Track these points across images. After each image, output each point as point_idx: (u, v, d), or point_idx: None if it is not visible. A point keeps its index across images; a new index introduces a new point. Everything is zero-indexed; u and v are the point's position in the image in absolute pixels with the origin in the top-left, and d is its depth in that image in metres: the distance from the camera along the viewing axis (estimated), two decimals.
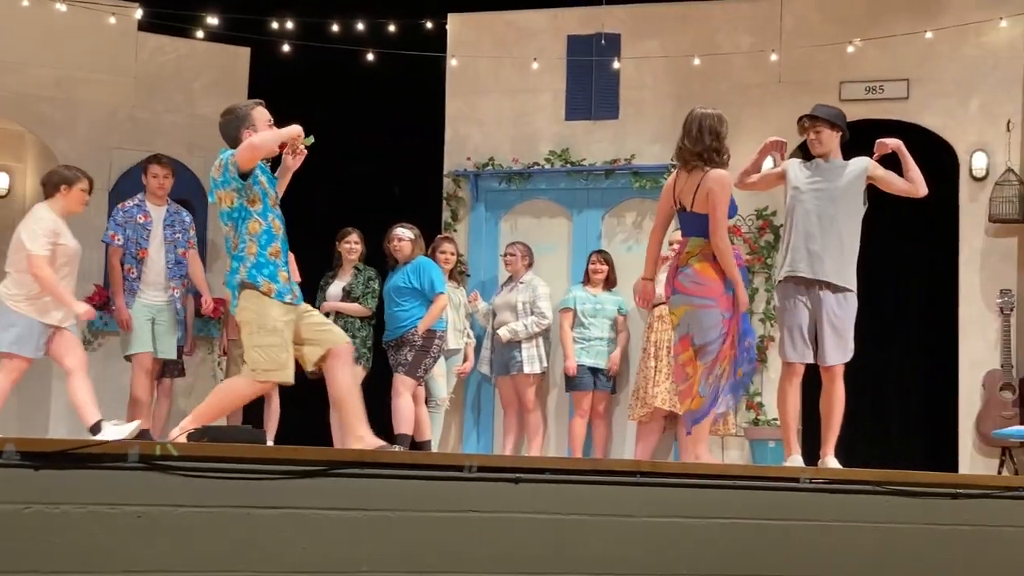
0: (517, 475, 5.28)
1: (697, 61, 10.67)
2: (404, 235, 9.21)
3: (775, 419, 10.26)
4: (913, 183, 7.27)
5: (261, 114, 6.46)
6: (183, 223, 9.04)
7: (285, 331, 6.17)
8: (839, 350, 7.13)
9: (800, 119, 7.41)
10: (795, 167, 7.34)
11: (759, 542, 5.63)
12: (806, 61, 10.62)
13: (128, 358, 8.98)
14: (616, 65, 10.93)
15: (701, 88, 10.80)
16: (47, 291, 7.68)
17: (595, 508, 5.38)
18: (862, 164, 7.29)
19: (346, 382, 6.28)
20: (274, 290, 6.19)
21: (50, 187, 7.89)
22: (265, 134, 6.30)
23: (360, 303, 9.43)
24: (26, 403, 10.70)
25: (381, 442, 6.25)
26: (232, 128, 6.39)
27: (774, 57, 10.60)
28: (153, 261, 8.84)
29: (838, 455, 7.18)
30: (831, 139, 7.29)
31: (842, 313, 7.14)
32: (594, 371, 9.98)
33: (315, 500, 4.93)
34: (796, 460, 7.11)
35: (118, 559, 4.62)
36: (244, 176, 6.21)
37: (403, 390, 8.90)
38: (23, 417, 10.59)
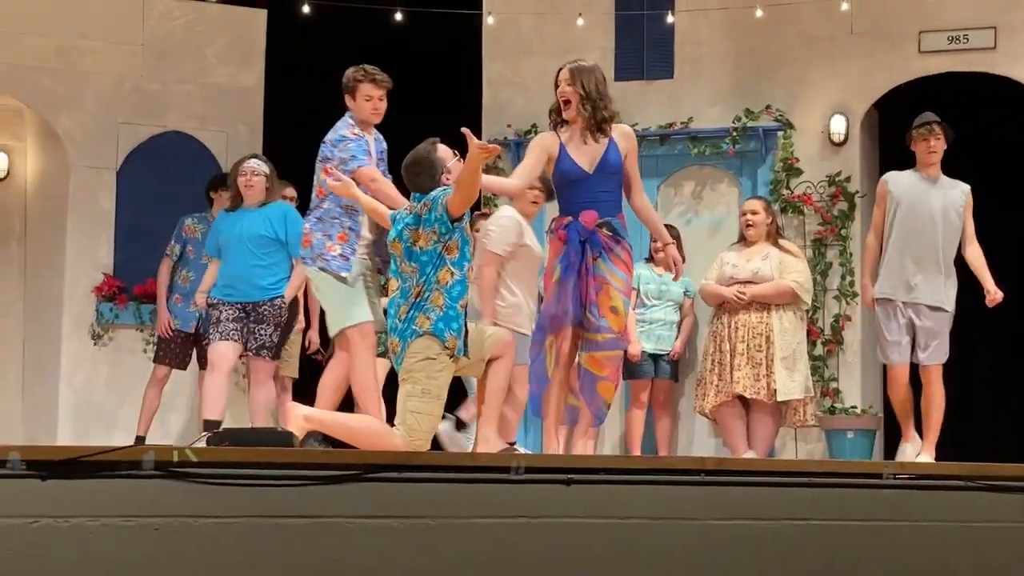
0: (569, 476, 5.27)
1: (760, 12, 10.59)
2: (260, 169, 8.46)
3: (853, 407, 10.22)
4: (973, 247, 7.99)
5: (445, 152, 6.53)
6: (385, 153, 7.71)
7: (444, 398, 6.32)
8: (936, 351, 7.86)
9: (918, 126, 8.03)
10: (897, 181, 7.95)
11: (837, 544, 5.61)
12: (881, 9, 10.51)
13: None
14: (670, 19, 10.86)
15: (764, 42, 10.73)
16: (482, 288, 7.72)
17: (655, 510, 5.37)
18: (964, 191, 8.02)
19: (492, 380, 6.51)
20: (457, 346, 6.28)
21: None
22: (482, 178, 6.41)
23: None
24: (31, 407, 10.79)
25: (504, 444, 6.54)
26: (427, 180, 6.45)
27: (845, 6, 10.50)
28: None
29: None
30: (942, 149, 7.99)
31: (938, 325, 7.84)
32: (655, 357, 9.91)
33: (348, 508, 4.94)
34: (907, 449, 7.80)
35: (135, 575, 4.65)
36: (454, 221, 6.29)
37: (266, 377, 8.51)
38: (29, 420, 10.69)
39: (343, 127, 7.24)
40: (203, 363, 9.61)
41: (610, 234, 6.71)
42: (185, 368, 9.68)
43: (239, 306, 8.38)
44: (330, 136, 7.21)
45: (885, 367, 8.30)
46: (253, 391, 8.51)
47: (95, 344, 10.58)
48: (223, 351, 8.32)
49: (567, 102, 6.74)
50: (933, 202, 7.90)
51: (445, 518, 5.06)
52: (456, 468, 5.19)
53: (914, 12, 10.42)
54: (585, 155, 6.75)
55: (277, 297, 8.37)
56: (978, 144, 10.10)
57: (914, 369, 8.11)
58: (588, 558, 5.24)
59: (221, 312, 8.35)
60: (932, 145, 7.89)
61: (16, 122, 11.16)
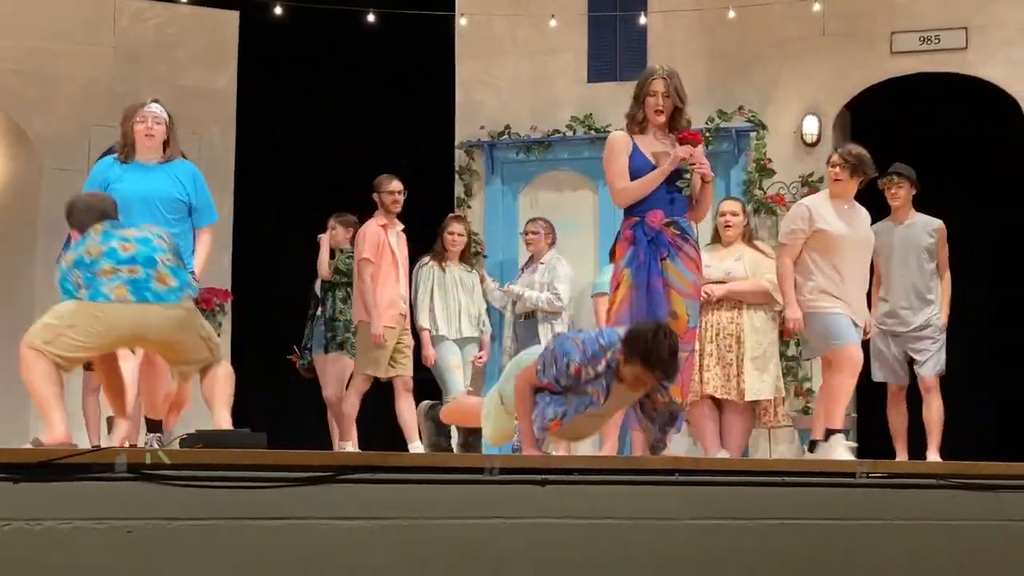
0: (544, 476, 5.27)
1: (732, 14, 10.61)
2: (161, 116, 7.17)
3: None
4: (943, 278, 8.48)
5: None
6: None
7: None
8: (929, 364, 8.36)
9: (884, 175, 8.42)
10: (876, 230, 8.25)
11: (812, 543, 5.61)
12: (853, 10, 10.54)
13: None
14: (642, 20, 10.87)
15: (737, 44, 10.75)
16: (778, 277, 7.78)
17: (630, 511, 5.36)
18: (932, 229, 8.47)
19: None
20: None
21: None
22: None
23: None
24: (3, 410, 10.72)
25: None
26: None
27: (817, 7, 10.53)
28: None
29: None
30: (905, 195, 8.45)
31: (927, 344, 8.37)
32: None
33: (322, 509, 4.93)
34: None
35: None
36: None
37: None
38: (1, 423, 10.62)
39: None
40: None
41: (678, 233, 6.69)
42: None
43: None
44: None
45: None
46: (150, 382, 6.70)
47: None
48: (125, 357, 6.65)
49: (659, 112, 6.71)
50: (903, 243, 8.52)
51: (419, 519, 5.04)
52: (431, 469, 5.18)
53: (886, 13, 10.46)
54: (657, 154, 6.72)
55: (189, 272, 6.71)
56: (950, 143, 10.16)
57: (912, 392, 8.62)
58: (563, 558, 5.23)
59: None
60: (894, 193, 8.49)
61: None
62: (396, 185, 9.18)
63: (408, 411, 8.90)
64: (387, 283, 9.06)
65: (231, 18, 11.32)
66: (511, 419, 6.18)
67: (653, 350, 5.68)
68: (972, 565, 5.80)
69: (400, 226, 9.26)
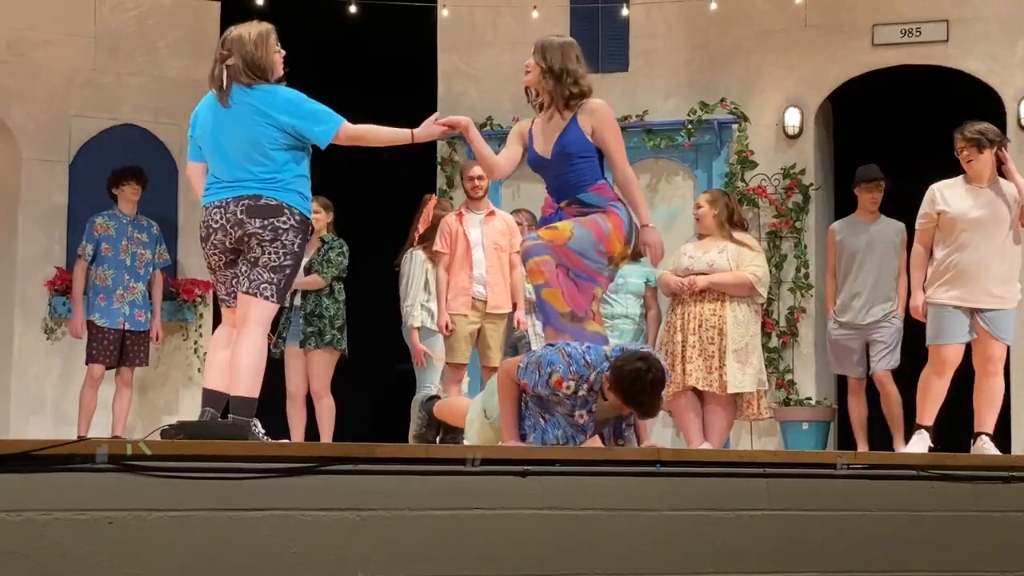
0: (525, 468, 5.27)
1: (714, 5, 10.62)
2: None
3: (808, 398, 10.27)
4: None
5: None
6: None
7: None
8: (886, 359, 8.91)
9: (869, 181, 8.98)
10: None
11: (792, 534, 5.63)
12: (834, 2, 10.57)
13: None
14: (625, 12, 10.89)
15: (719, 35, 10.77)
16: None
17: (611, 502, 5.38)
18: (901, 227, 8.94)
19: None
20: None
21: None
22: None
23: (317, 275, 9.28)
24: None
25: None
26: None
27: None
28: None
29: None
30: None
31: (888, 337, 8.93)
32: None
33: (304, 500, 4.93)
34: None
35: (89, 569, 4.62)
36: None
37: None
38: None
39: None
40: (126, 359, 9.70)
41: (581, 207, 6.58)
42: (116, 367, 9.79)
43: None
44: None
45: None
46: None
47: (47, 338, 10.51)
48: None
49: (528, 73, 6.69)
50: (873, 241, 8.95)
51: (401, 510, 5.05)
52: (412, 460, 5.19)
53: (867, 5, 10.49)
54: (544, 139, 6.69)
55: None
56: (931, 136, 10.17)
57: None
58: (544, 549, 5.24)
59: None
60: (875, 197, 8.96)
61: None
62: (475, 171, 9.20)
63: None
64: (459, 271, 9.05)
65: (212, 8, 11.30)
66: (494, 433, 6.18)
67: (636, 388, 5.72)
68: (952, 556, 5.83)
69: (485, 210, 9.20)
